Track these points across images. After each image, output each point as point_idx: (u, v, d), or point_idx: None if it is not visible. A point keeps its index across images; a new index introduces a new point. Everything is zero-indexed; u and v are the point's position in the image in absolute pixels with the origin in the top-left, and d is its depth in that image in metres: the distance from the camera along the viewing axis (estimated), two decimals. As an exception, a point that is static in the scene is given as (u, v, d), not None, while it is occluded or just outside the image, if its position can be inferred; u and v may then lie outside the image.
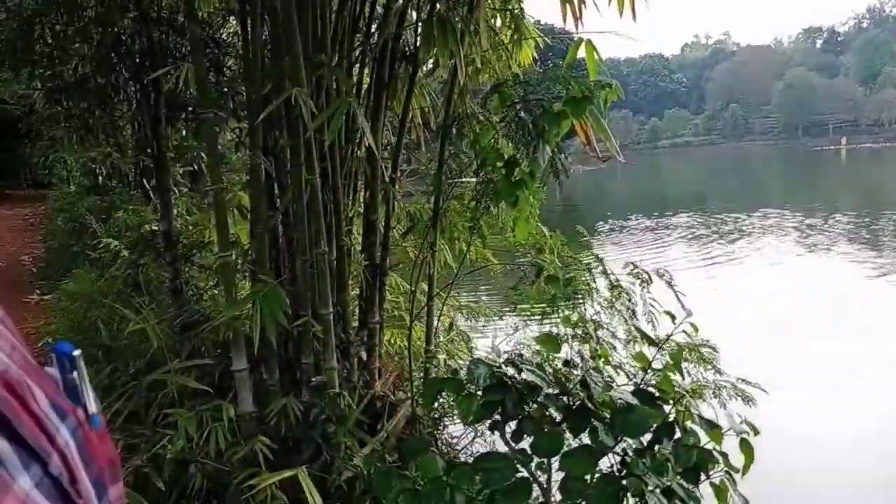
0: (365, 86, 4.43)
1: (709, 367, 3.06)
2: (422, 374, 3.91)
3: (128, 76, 5.60)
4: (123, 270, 5.50)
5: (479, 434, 3.68)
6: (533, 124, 2.99)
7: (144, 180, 7.18)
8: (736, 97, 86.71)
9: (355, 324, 3.94)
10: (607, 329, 3.48)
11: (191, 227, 6.43)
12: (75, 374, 0.66)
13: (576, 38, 3.74)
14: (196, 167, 7.60)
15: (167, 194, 5.21)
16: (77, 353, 0.67)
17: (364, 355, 3.83)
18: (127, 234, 6.31)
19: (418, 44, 4.21)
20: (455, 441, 3.77)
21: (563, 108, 3.03)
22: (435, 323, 4.05)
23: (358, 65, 4.44)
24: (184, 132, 6.96)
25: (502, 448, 2.93)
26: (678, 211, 25.60)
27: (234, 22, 5.62)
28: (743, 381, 3.00)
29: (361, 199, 4.53)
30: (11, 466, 0.46)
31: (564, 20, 4.05)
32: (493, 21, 4.49)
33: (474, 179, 3.98)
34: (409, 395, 3.70)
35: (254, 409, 3.29)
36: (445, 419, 3.83)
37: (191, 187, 8.01)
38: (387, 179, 4.30)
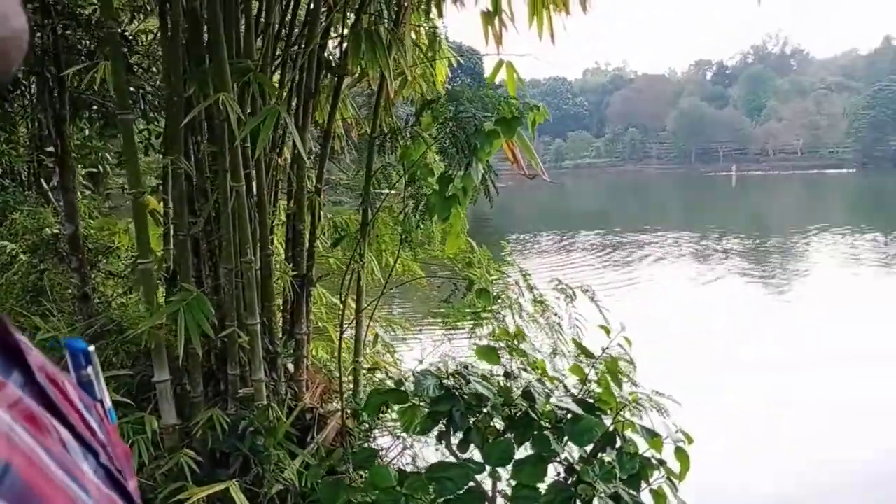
0: (286, 94, 4.39)
1: (626, 379, 3.20)
2: (351, 386, 3.88)
3: (26, 70, 5.28)
4: (21, 276, 5.15)
5: (408, 446, 3.68)
6: (466, 141, 3.05)
7: (42, 180, 6.77)
8: (634, 122, 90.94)
9: (281, 335, 3.86)
10: (531, 343, 3.57)
11: (94, 231, 6.11)
12: (90, 369, 0.65)
13: (483, 57, 3.86)
14: (99, 168, 7.24)
15: (72, 196, 4.94)
16: (91, 348, 0.66)
17: (291, 367, 3.76)
18: (25, 237, 5.92)
19: (344, 54, 4.22)
20: (384, 453, 3.75)
21: (495, 127, 3.11)
22: (363, 335, 4.02)
23: (279, 73, 4.39)
24: (87, 132, 6.62)
25: (432, 459, 2.96)
26: (583, 229, 26.57)
27: (139, 19, 5.39)
28: (657, 393, 3.16)
29: (283, 209, 4.46)
30: (74, 454, 0.46)
31: (487, 41, 4.18)
32: (414, 36, 4.56)
33: (393, 192, 4.00)
34: (338, 406, 3.66)
35: (178, 421, 3.17)
36: (375, 431, 3.81)
37: (92, 190, 7.61)
38: (312, 188, 4.25)
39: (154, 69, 5.40)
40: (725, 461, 5.67)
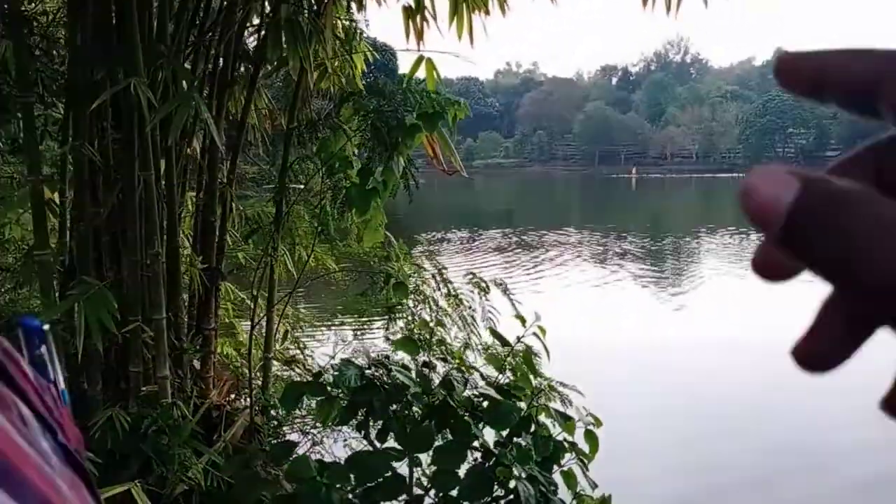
0: (197, 82, 4.26)
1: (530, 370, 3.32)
2: (260, 382, 3.81)
3: None
4: None
5: (317, 442, 3.65)
6: (388, 135, 3.06)
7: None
8: (543, 124, 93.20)
9: (188, 330, 3.74)
10: (445, 335, 3.63)
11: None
12: (44, 348, 0.63)
13: (397, 54, 3.89)
14: (-10, 155, 6.76)
15: (-43, 185, 4.60)
16: (46, 327, 0.64)
17: (198, 364, 3.65)
18: None
19: (262, 43, 4.13)
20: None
21: (417, 122, 3.14)
22: (273, 330, 3.96)
23: (192, 60, 4.25)
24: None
25: (342, 454, 2.96)
26: (491, 226, 27.10)
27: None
28: (561, 383, 3.29)
29: (192, 200, 4.32)
30: (34, 431, 0.46)
31: (407, 37, 4.21)
32: (335, 29, 4.53)
33: (310, 185, 3.96)
34: (247, 403, 3.58)
35: (74, 421, 3.01)
36: (284, 427, 3.76)
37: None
38: (224, 180, 4.15)
39: (54, 52, 5.11)
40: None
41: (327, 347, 4.23)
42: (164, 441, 3.05)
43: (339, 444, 3.83)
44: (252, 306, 3.84)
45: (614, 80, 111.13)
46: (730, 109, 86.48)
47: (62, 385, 0.58)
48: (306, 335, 5.13)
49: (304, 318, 5.13)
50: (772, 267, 0.25)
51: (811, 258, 0.22)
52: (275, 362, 4.12)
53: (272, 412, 3.61)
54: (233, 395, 3.78)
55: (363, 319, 4.79)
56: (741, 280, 16.05)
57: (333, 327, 5.63)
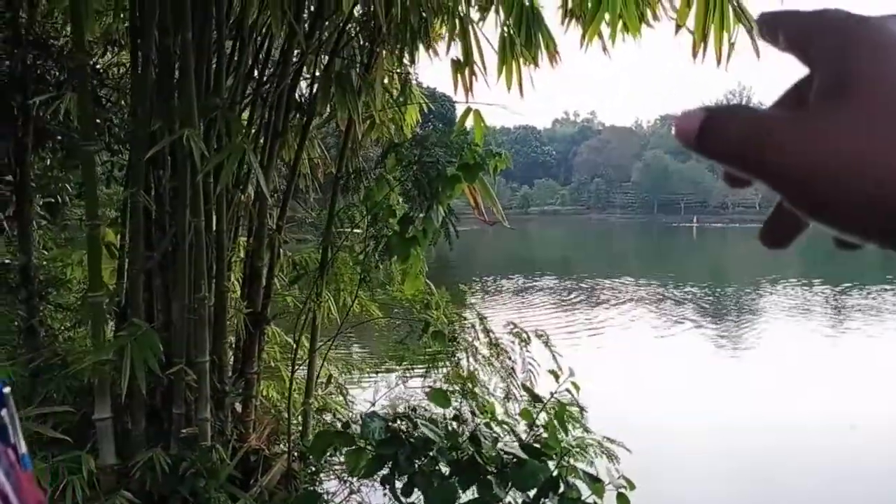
0: (254, 131, 4.41)
1: (577, 425, 3.22)
2: (300, 427, 3.81)
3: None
4: (-36, 308, 4.99)
5: (355, 490, 3.61)
6: (428, 185, 3.09)
7: (-1, 210, 6.62)
8: (600, 172, 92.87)
9: (231, 373, 3.80)
10: (485, 387, 3.58)
11: (46, 263, 5.98)
12: (4, 412, 0.63)
13: (457, 105, 3.95)
14: (58, 199, 7.12)
15: (28, 227, 4.84)
16: (7, 390, 0.64)
17: (239, 407, 3.69)
18: (-28, 268, 5.74)
19: (314, 95, 4.27)
20: (330, 497, 3.68)
21: (457, 172, 3.17)
22: (315, 375, 3.98)
23: (248, 111, 4.42)
24: (48, 161, 6.53)
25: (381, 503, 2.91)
26: (546, 274, 26.87)
27: (113, 52, 5.43)
28: (608, 439, 3.18)
29: (243, 245, 4.43)
30: None
31: (455, 90, 4.28)
32: (385, 81, 4.64)
33: (359, 231, 4.02)
34: (284, 449, 3.59)
35: (116, 460, 3.07)
36: (321, 474, 3.74)
37: (49, 220, 7.47)
38: (273, 226, 4.25)
39: (122, 102, 5.39)
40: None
41: (370, 393, 4.22)
42: (202, 484, 3.07)
43: (379, 493, 3.78)
44: (293, 350, 3.87)
45: (674, 129, 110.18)
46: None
47: (23, 449, 0.58)
48: (351, 381, 5.14)
49: (350, 364, 5.14)
50: (774, 234, 0.36)
51: (717, 157, 0.31)
52: (315, 407, 4.13)
53: (309, 458, 3.60)
54: (273, 440, 3.79)
55: (407, 366, 4.78)
56: (806, 333, 15.43)
57: (379, 373, 5.63)
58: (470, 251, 39.74)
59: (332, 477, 3.78)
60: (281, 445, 3.70)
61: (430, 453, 2.17)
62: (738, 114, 0.31)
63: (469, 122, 4.06)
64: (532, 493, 2.24)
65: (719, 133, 0.31)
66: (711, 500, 6.62)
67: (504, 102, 4.14)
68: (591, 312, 18.00)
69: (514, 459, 2.15)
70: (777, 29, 0.34)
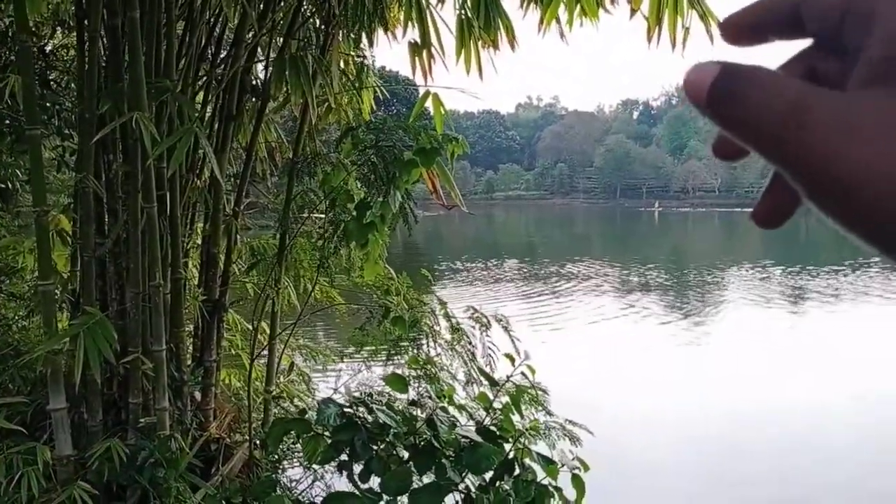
0: (208, 115, 4.32)
1: (540, 408, 3.24)
2: (261, 415, 3.78)
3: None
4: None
5: (318, 477, 3.59)
6: (385, 170, 3.07)
7: (-56, 198, 6.39)
8: (563, 157, 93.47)
9: (189, 362, 3.74)
10: (447, 371, 3.58)
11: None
12: None
13: (420, 88, 3.92)
14: (8, 185, 6.91)
15: (-26, 214, 4.68)
16: None
17: (198, 395, 3.63)
18: (-80, 257, 5.54)
19: (268, 78, 4.19)
20: (294, 485, 3.65)
21: (414, 157, 3.14)
22: (276, 363, 3.94)
23: (202, 94, 4.32)
24: (-5, 148, 6.33)
25: (344, 490, 2.90)
26: (509, 258, 27.07)
27: (62, 34, 5.26)
28: (570, 422, 3.21)
29: (199, 231, 4.35)
30: None
31: (413, 73, 4.23)
32: (342, 64, 4.58)
33: (321, 216, 3.97)
34: (246, 437, 3.55)
35: (73, 451, 3.01)
36: (284, 462, 3.71)
37: (0, 207, 7.25)
38: (229, 211, 4.17)
39: (73, 85, 5.23)
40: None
41: (335, 381, 4.19)
42: (161, 473, 3.03)
43: (343, 479, 3.77)
44: (252, 338, 3.83)
45: (635, 114, 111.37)
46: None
47: None
48: (315, 369, 5.10)
49: (314, 352, 5.10)
50: (768, 213, 0.34)
51: (731, 124, 0.28)
52: (276, 395, 4.09)
53: (276, 448, 3.57)
54: (234, 428, 3.75)
55: (371, 353, 4.76)
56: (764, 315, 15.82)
57: (345, 361, 5.61)
58: (436, 237, 39.82)
59: (296, 464, 3.76)
60: (242, 434, 3.66)
61: (387, 438, 2.17)
62: (762, 77, 0.27)
63: (430, 107, 4.04)
64: (488, 476, 2.26)
65: (739, 98, 0.27)
66: (674, 477, 6.77)
67: (465, 86, 4.12)
68: (554, 296, 18.18)
69: (470, 443, 2.16)
70: (752, 24, 0.32)
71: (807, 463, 7.10)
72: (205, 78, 4.24)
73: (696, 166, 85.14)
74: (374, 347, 4.33)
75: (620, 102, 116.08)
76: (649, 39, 3.81)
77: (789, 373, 10.58)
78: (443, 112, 3.95)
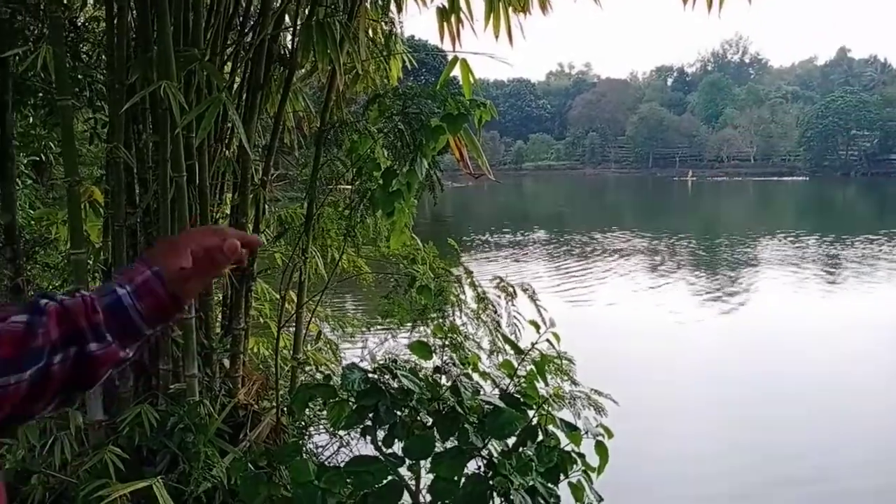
0: (237, 85, 4.32)
1: (566, 377, 3.23)
2: (288, 382, 3.83)
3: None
4: (-50, 266, 4.95)
5: (345, 443, 3.65)
6: (411, 137, 3.04)
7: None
8: (595, 126, 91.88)
9: (218, 330, 3.79)
10: (473, 340, 3.58)
11: (33, 222, 5.93)
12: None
13: (450, 56, 3.86)
14: (43, 157, 7.03)
15: (11, 185, 4.76)
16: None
17: (227, 363, 3.69)
18: (-43, 227, 5.68)
19: (296, 47, 4.16)
20: (320, 451, 3.72)
21: (441, 123, 3.11)
22: (303, 331, 3.98)
23: (230, 63, 4.32)
24: (31, 119, 6.43)
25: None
26: (539, 228, 26.92)
27: (92, 6, 5.28)
28: (596, 392, 3.19)
29: (229, 201, 4.38)
30: None
31: (442, 39, 4.17)
32: (370, 32, 4.53)
33: (349, 187, 3.97)
34: (273, 404, 3.61)
35: (104, 417, 3.09)
36: (311, 428, 3.77)
37: (35, 179, 7.39)
38: (257, 181, 4.19)
39: (104, 57, 5.28)
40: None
41: (358, 350, 4.23)
42: (190, 438, 3.09)
43: (369, 448, 3.82)
44: (279, 307, 3.86)
45: (669, 81, 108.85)
46: (790, 111, 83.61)
47: None
48: (344, 337, 5.14)
49: (342, 321, 5.14)
50: None
51: None
52: (308, 363, 4.14)
53: (301, 413, 3.62)
54: (262, 395, 3.81)
55: (399, 322, 4.78)
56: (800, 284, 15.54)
57: (373, 330, 5.65)
58: (465, 209, 39.75)
59: (322, 431, 3.81)
60: (270, 401, 3.72)
61: (411, 404, 2.18)
62: None
63: (458, 74, 3.98)
64: (511, 441, 2.26)
65: None
66: (701, 449, 6.75)
67: (494, 53, 4.05)
68: (584, 267, 18.06)
69: (493, 409, 2.16)
70: None
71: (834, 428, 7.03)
72: (233, 47, 4.24)
73: (732, 134, 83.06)
74: (400, 317, 4.35)
75: (654, 69, 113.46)
76: (685, 2, 3.70)
77: (822, 341, 10.43)
78: (471, 79, 3.89)
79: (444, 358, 2.64)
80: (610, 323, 11.68)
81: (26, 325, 0.71)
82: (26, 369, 0.69)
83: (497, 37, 4.02)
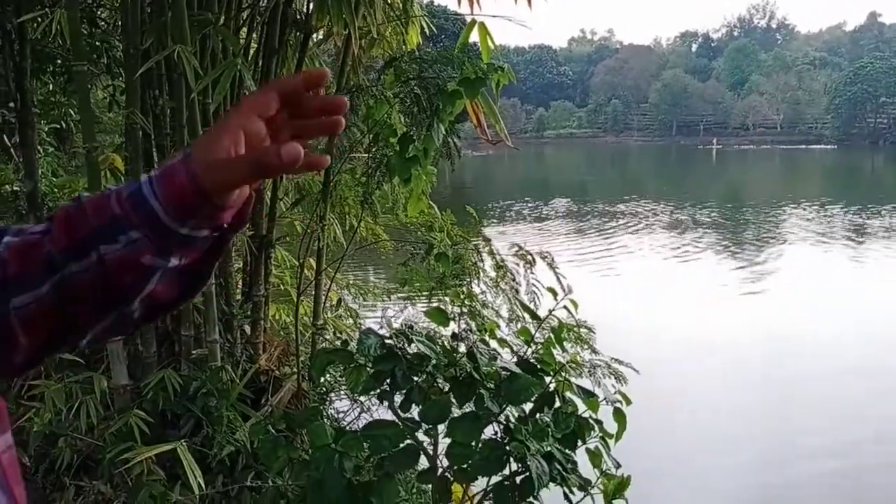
0: (253, 50, 4.28)
1: (585, 346, 3.20)
2: (308, 348, 3.85)
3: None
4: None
5: (365, 409, 3.67)
6: (428, 101, 2.99)
7: (4, 136, 6.59)
8: (617, 93, 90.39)
9: (239, 297, 3.81)
10: (492, 308, 3.56)
11: (56, 189, 5.99)
12: None
13: (467, 20, 3.77)
14: (63, 125, 7.06)
15: (31, 152, 4.81)
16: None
17: (248, 329, 3.72)
18: (-18, 194, 5.76)
19: (311, 10, 4.11)
20: (341, 416, 3.75)
21: (458, 87, 3.05)
22: (322, 298, 3.99)
23: (246, 28, 4.27)
24: (51, 86, 6.45)
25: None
26: (560, 197, 26.73)
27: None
28: (616, 360, 3.16)
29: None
30: None
31: (459, 2, 4.08)
32: (388, -3, 4.45)
33: (365, 155, 3.94)
34: (294, 369, 3.64)
35: (129, 381, 3.13)
36: (332, 394, 3.80)
37: (57, 146, 7.44)
38: (275, 148, 4.17)
39: (120, 23, 5.26)
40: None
41: (377, 317, 4.24)
42: (213, 403, 3.13)
43: (389, 414, 3.84)
44: (299, 274, 3.87)
45: (694, 47, 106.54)
46: (818, 77, 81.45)
47: None
48: (366, 306, 5.16)
49: (362, 289, 5.14)
50: None
51: None
52: (327, 330, 4.16)
53: (319, 378, 3.65)
54: (283, 361, 3.84)
55: (416, 290, 4.78)
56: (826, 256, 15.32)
57: (393, 297, 5.66)
58: (485, 177, 39.54)
59: (343, 397, 3.84)
60: (290, 367, 3.75)
61: (428, 369, 2.18)
62: None
63: (476, 38, 3.90)
64: (528, 407, 2.25)
65: None
66: (724, 420, 6.72)
67: (514, 18, 3.96)
68: (605, 236, 17.93)
69: (510, 374, 2.15)
70: None
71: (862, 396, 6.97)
72: (247, 10, 4.19)
73: (758, 101, 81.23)
74: (419, 284, 4.34)
75: (678, 35, 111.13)
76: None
77: (848, 310, 10.30)
78: (490, 44, 3.81)
79: (462, 325, 2.63)
80: (638, 293, 11.60)
81: (40, 234, 0.66)
82: (41, 285, 0.64)
83: (517, 1, 3.93)
